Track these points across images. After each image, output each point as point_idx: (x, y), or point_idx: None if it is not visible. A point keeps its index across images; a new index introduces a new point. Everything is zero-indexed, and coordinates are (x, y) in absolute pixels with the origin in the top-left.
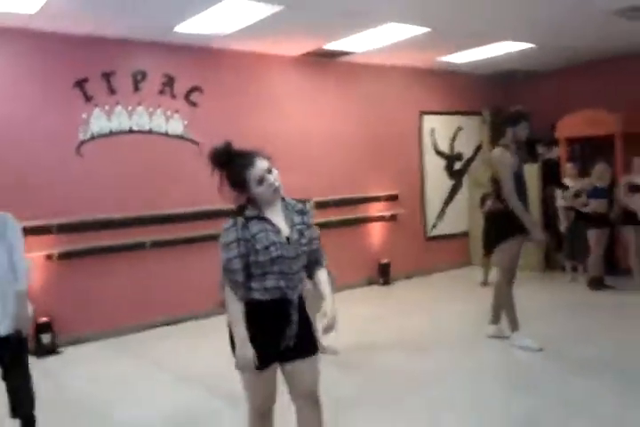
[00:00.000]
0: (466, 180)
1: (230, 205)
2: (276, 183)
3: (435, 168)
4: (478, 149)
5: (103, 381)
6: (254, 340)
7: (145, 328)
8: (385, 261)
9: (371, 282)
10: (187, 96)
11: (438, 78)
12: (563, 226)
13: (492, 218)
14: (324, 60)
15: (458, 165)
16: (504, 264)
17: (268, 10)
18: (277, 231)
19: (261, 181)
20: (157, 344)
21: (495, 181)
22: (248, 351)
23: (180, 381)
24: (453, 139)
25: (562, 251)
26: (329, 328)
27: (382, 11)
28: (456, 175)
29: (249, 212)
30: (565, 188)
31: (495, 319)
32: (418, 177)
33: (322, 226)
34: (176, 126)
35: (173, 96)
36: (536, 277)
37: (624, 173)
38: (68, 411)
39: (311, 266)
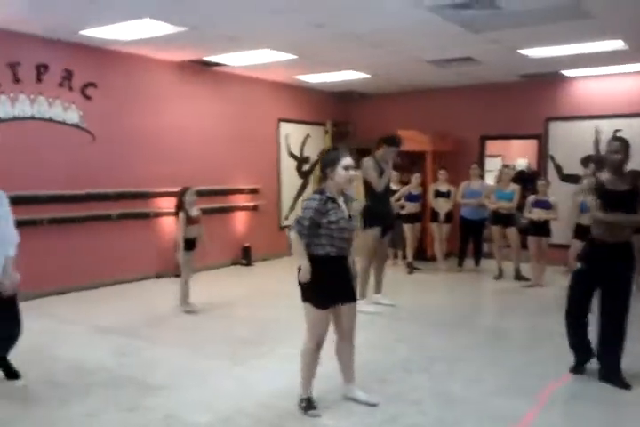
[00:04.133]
0: (312, 179)
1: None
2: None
3: (288, 168)
4: (322, 154)
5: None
6: (323, 285)
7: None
8: (247, 244)
9: (235, 262)
10: (82, 90)
11: (294, 92)
12: None
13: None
14: (202, 67)
15: (306, 167)
16: (364, 249)
17: (172, 29)
18: (343, 210)
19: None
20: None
21: (366, 183)
22: (308, 275)
23: (95, 333)
24: (303, 144)
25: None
26: None
27: (260, 39)
28: (304, 175)
29: (328, 193)
30: (392, 192)
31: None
32: (275, 174)
33: None
34: (72, 116)
35: (71, 89)
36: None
37: (432, 181)
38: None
39: None
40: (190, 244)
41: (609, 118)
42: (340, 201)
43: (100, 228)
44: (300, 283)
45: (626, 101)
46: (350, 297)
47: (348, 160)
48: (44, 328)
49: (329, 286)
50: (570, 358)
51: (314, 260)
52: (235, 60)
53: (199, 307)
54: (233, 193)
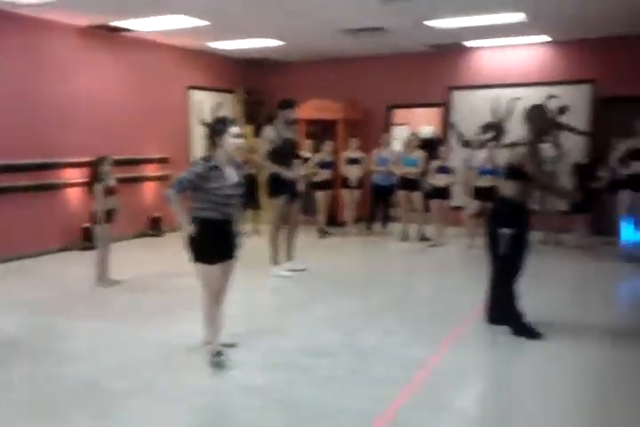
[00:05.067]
0: None
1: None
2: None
3: (199, 137)
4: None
5: None
6: (210, 244)
7: None
8: (156, 215)
9: (144, 234)
10: None
11: (206, 59)
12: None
13: (251, 180)
14: (108, 33)
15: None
16: (272, 217)
17: None
18: (227, 177)
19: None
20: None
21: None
22: (190, 228)
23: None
24: (214, 112)
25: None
26: None
27: (172, 4)
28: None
29: (213, 161)
30: (305, 159)
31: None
32: (185, 143)
33: None
34: None
35: None
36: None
37: (344, 149)
38: None
39: None
40: (108, 216)
41: (507, 88)
42: (229, 168)
43: (3, 201)
44: (189, 245)
45: (524, 72)
46: (231, 255)
47: (235, 129)
48: None
49: (215, 245)
50: (467, 308)
51: (201, 222)
52: (143, 25)
53: (117, 281)
54: (142, 163)
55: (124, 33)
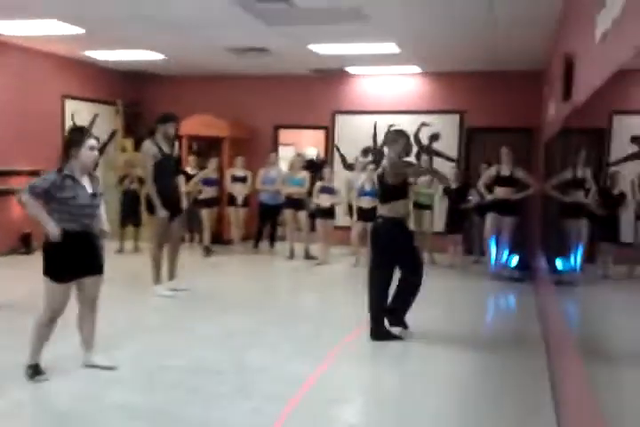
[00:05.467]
0: (102, 162)
1: None
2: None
3: None
4: (113, 134)
5: None
6: (65, 260)
7: None
8: (27, 231)
9: (13, 251)
10: None
11: (83, 68)
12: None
13: (132, 195)
14: None
15: None
16: (153, 234)
17: None
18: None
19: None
20: None
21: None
22: (55, 230)
23: None
24: (92, 123)
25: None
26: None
27: (45, 8)
28: None
29: (67, 171)
30: (189, 176)
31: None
32: (58, 155)
33: None
34: None
35: None
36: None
37: (229, 166)
38: None
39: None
40: None
41: (383, 114)
42: (84, 180)
43: None
44: (44, 252)
45: (400, 100)
46: (94, 270)
47: (92, 141)
48: None
49: (71, 261)
50: (351, 325)
51: (60, 234)
52: (13, 29)
53: None
54: (10, 175)
55: None
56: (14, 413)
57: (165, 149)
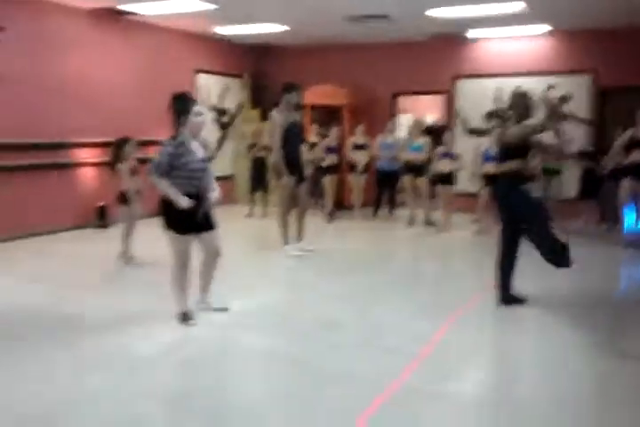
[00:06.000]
0: (232, 131)
1: None
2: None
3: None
4: (241, 106)
5: None
6: (183, 217)
7: None
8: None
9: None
10: None
11: (212, 43)
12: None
13: (260, 163)
14: (114, 16)
15: (225, 119)
16: (280, 198)
17: None
18: (194, 153)
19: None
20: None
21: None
22: (185, 201)
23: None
24: (222, 96)
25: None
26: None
27: None
28: (223, 127)
29: (180, 138)
30: (312, 145)
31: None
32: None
33: None
34: None
35: None
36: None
37: (350, 135)
38: None
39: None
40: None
41: (508, 77)
42: (194, 144)
43: (10, 179)
44: (163, 213)
45: (526, 61)
46: (208, 227)
47: (198, 108)
48: None
49: (186, 219)
50: (473, 289)
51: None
52: (149, 9)
53: (139, 259)
54: (149, 145)
55: (130, 16)
56: (170, 351)
57: (290, 117)
